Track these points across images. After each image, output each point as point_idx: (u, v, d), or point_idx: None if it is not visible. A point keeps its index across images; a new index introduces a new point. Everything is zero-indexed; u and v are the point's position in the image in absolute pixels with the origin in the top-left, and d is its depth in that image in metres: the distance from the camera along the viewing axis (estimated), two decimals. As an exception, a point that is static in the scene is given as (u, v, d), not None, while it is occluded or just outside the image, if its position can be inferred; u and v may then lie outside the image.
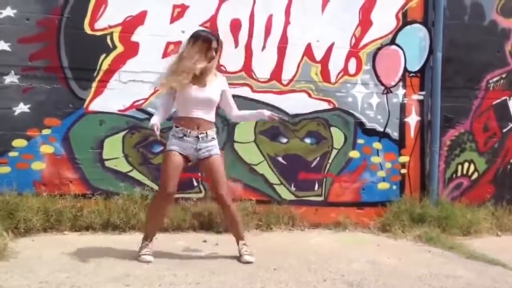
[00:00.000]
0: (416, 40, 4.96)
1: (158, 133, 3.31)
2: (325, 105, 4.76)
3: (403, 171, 4.96)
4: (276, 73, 4.66)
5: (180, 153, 3.43)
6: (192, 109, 3.45)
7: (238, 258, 3.52)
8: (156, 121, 3.37)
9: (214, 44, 3.47)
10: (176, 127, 3.48)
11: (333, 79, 4.77)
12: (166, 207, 3.53)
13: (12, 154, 4.20)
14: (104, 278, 3.03)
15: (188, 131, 3.43)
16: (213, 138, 3.52)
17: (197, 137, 3.44)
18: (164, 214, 3.63)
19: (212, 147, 3.49)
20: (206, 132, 3.47)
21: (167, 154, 3.45)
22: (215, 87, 3.52)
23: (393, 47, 4.91)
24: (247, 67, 4.61)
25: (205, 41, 3.45)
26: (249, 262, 3.45)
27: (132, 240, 3.99)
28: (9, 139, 4.19)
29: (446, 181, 5.06)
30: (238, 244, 3.57)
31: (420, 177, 4.98)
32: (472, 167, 5.14)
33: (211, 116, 3.53)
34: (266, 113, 3.59)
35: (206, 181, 4.50)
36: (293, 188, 4.72)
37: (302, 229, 4.61)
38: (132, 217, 4.20)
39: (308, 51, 4.72)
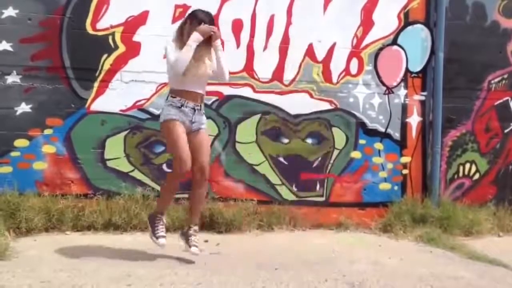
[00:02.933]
0: (418, 40, 4.94)
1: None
2: (326, 106, 4.76)
3: (405, 171, 4.95)
4: (278, 73, 4.66)
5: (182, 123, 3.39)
6: (191, 83, 3.41)
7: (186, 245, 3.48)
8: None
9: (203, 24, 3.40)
10: (173, 97, 3.43)
11: (334, 80, 4.76)
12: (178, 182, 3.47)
13: (14, 154, 4.21)
14: (106, 277, 3.04)
15: (186, 101, 3.41)
16: (204, 112, 3.54)
17: (194, 109, 3.44)
18: (177, 189, 3.54)
19: (204, 121, 3.53)
20: (201, 105, 3.49)
21: (171, 124, 3.37)
22: (210, 60, 3.48)
23: (395, 47, 4.90)
24: (248, 67, 4.61)
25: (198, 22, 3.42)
26: (195, 254, 3.44)
27: (133, 240, 4.00)
28: (11, 139, 4.20)
29: (447, 182, 5.05)
30: (189, 228, 3.50)
31: (421, 178, 4.97)
32: (473, 168, 5.13)
33: (204, 90, 3.54)
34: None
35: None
36: (294, 189, 4.71)
37: (304, 229, 4.59)
38: (133, 217, 4.20)
39: (309, 52, 4.71)
